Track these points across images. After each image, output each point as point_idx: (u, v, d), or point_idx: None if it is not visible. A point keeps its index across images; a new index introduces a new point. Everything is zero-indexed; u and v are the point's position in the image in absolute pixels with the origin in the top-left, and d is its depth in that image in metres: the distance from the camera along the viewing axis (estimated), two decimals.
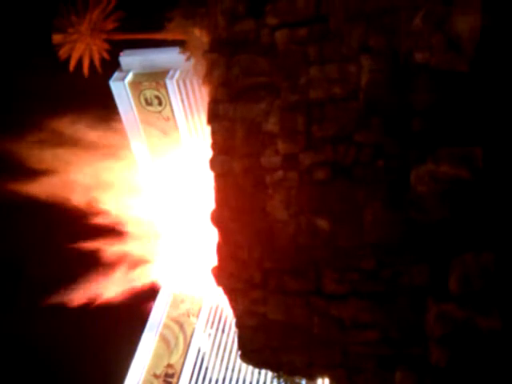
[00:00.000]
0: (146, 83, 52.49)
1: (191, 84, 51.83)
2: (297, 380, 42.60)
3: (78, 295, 58.52)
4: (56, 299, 58.37)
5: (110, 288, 58.71)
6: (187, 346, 57.50)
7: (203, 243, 58.22)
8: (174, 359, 56.56)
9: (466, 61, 16.16)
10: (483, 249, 15.48)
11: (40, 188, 55.37)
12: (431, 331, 16.17)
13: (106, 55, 47.48)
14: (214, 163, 21.82)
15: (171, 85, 51.75)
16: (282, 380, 43.50)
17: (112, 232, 58.84)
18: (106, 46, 46.96)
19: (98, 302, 58.88)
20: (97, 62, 47.21)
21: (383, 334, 18.19)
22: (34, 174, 55.11)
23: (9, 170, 53.73)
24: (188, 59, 42.27)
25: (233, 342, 56.08)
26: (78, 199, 57.64)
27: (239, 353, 22.02)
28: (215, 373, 55.38)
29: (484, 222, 15.70)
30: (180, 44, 42.40)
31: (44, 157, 55.39)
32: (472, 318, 15.25)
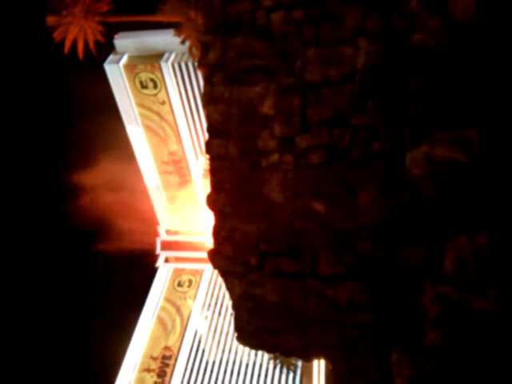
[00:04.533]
0: (141, 66, 52.16)
1: (186, 67, 51.54)
2: (293, 361, 43.06)
3: None
4: None
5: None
6: (184, 328, 57.86)
7: (201, 226, 58.43)
8: (171, 341, 56.92)
9: (462, 43, 16.10)
10: (478, 231, 15.54)
11: None
12: (426, 312, 16.29)
13: (100, 37, 47.02)
14: (209, 146, 21.77)
15: (166, 67, 51.45)
16: (278, 361, 44.00)
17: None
18: (101, 28, 46.48)
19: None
20: (91, 45, 46.78)
21: (378, 316, 18.33)
22: None
23: None
24: (183, 42, 41.95)
25: (229, 324, 56.46)
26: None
27: (236, 335, 22.15)
28: (212, 355, 55.81)
29: (479, 204, 15.75)
30: (175, 26, 42.06)
31: None
32: (467, 300, 15.34)
